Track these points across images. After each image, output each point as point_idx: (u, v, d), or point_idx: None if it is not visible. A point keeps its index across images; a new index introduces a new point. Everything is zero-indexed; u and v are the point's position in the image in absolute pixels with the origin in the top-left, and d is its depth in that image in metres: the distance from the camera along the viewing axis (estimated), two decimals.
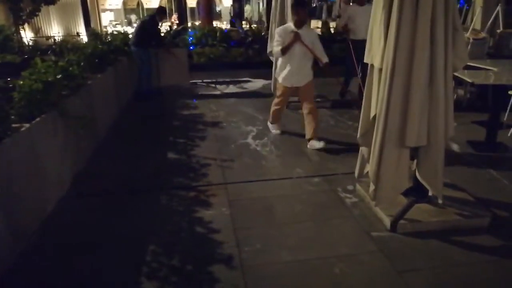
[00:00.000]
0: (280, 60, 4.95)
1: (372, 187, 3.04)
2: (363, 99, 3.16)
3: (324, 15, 18.21)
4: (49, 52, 7.01)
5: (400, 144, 2.88)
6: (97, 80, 5.31)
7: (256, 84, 8.62)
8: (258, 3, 21.59)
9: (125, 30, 11.22)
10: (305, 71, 4.86)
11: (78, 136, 4.29)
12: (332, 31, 10.22)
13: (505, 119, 5.18)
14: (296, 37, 4.65)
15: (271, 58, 6.67)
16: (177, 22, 12.41)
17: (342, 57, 7.07)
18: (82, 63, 4.90)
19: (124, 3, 26.73)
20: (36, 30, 10.01)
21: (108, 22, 22.29)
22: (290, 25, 4.79)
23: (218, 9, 25.99)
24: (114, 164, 4.54)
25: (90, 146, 4.74)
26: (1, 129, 2.87)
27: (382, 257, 2.79)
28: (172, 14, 21.20)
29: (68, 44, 7.43)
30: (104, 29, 14.40)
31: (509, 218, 3.26)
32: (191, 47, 9.37)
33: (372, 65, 3.01)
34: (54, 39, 8.89)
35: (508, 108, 5.21)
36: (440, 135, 2.85)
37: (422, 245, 2.92)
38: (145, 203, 3.65)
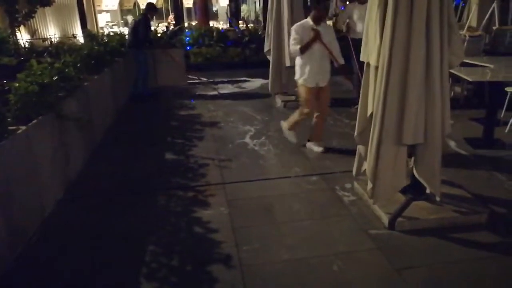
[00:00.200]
0: (299, 61, 4.54)
1: (369, 185, 3.05)
2: (360, 98, 3.17)
3: None
4: (45, 54, 6.98)
5: (397, 142, 2.89)
6: (94, 82, 5.31)
7: (254, 83, 8.62)
8: (255, 3, 21.57)
9: (121, 31, 11.20)
10: (326, 69, 4.56)
11: (75, 138, 4.29)
12: None
13: (502, 116, 5.20)
14: (317, 36, 4.34)
15: (268, 57, 6.69)
16: (174, 22, 12.40)
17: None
18: (78, 65, 4.89)
19: (121, 4, 26.65)
20: (32, 32, 9.97)
21: (105, 23, 22.25)
22: (308, 21, 4.45)
23: (214, 9, 25.96)
24: (112, 165, 4.54)
25: (87, 147, 4.73)
26: None
27: (380, 255, 2.79)
28: (169, 15, 21.17)
29: (64, 46, 7.41)
30: (101, 30, 14.37)
31: (506, 214, 3.28)
32: (188, 47, 9.37)
33: (368, 63, 3.02)
34: (50, 41, 8.86)
35: (505, 105, 5.22)
36: (437, 132, 2.86)
37: (420, 242, 2.92)
38: (143, 203, 3.65)
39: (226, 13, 17.13)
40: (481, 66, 5.08)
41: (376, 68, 2.88)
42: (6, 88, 3.54)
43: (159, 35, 8.93)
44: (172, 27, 10.98)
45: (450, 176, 3.71)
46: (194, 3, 15.39)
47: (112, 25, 22.62)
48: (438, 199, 3.13)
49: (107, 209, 3.57)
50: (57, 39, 9.66)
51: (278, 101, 6.83)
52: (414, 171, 3.04)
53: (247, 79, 8.98)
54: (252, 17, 21.30)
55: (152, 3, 7.57)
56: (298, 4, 6.26)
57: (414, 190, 3.19)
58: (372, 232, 3.06)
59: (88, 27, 11.39)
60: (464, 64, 4.88)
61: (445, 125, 2.89)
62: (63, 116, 3.79)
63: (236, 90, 8.23)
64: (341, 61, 4.61)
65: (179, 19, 11.94)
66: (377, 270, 2.67)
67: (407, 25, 2.66)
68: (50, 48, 7.62)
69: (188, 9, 21.41)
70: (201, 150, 4.87)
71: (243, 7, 22.18)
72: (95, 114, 5.16)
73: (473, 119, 5.49)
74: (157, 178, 4.15)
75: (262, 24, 11.67)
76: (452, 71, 3.81)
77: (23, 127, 3.19)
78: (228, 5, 16.36)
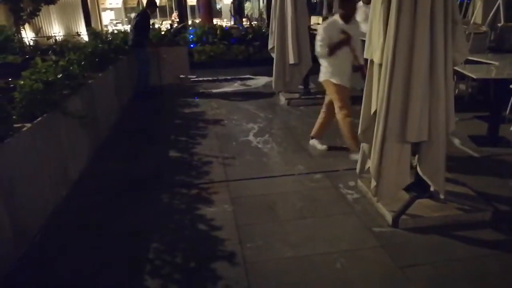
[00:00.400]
0: (334, 60, 4.21)
1: (373, 183, 3.05)
2: (363, 96, 3.16)
3: (324, 11, 18.16)
4: (49, 52, 7.02)
5: (401, 139, 2.88)
6: (98, 79, 5.33)
7: (257, 81, 8.62)
8: (259, 0, 21.53)
9: (125, 29, 11.22)
10: (351, 69, 4.34)
11: (79, 135, 4.31)
12: None
13: (507, 113, 5.17)
14: (349, 39, 4.09)
15: (271, 54, 6.68)
16: (178, 20, 12.40)
17: None
18: (82, 63, 4.91)
19: (124, 2, 26.69)
20: (37, 30, 10.02)
21: (109, 21, 22.27)
22: (337, 20, 4.15)
23: (218, 6, 25.94)
24: (116, 163, 4.56)
25: (91, 145, 4.76)
26: (3, 129, 2.88)
27: (384, 253, 2.79)
28: (173, 12, 21.17)
29: (68, 44, 7.44)
30: (105, 28, 14.40)
31: (510, 212, 3.26)
32: (192, 45, 9.37)
33: (371, 61, 3.01)
34: (55, 39, 8.90)
35: (510, 102, 5.19)
36: (441, 130, 2.85)
37: (424, 240, 2.92)
38: (147, 201, 3.67)
39: (230, 11, 17.12)
40: (486, 63, 5.05)
41: (380, 65, 2.87)
42: (11, 85, 3.56)
43: (163, 33, 8.93)
44: (176, 25, 10.98)
45: (454, 174, 3.70)
46: (197, 1, 15.38)
47: (116, 23, 22.64)
48: (442, 197, 3.12)
49: (111, 207, 3.59)
50: (62, 37, 9.71)
51: (282, 98, 6.82)
52: (418, 169, 3.03)
53: (251, 76, 8.98)
54: (256, 15, 21.26)
55: (154, 0, 7.57)
56: (302, 1, 6.25)
57: (418, 188, 3.19)
58: (375, 230, 3.05)
59: (92, 25, 11.41)
60: (469, 61, 4.85)
61: (449, 123, 2.88)
62: (67, 113, 3.81)
63: (240, 87, 8.23)
64: (362, 61, 4.24)
65: (182, 17, 11.93)
66: (381, 268, 2.67)
67: (411, 22, 2.64)
68: (54, 46, 7.66)
69: (192, 7, 21.39)
70: (205, 148, 4.88)
71: (247, 5, 22.16)
72: (99, 111, 5.18)
73: (477, 117, 5.46)
74: (160, 176, 4.16)
75: (266, 21, 11.65)
76: (456, 68, 3.79)
77: (28, 125, 3.21)
78: (232, 2, 16.35)
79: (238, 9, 15.45)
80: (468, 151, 4.45)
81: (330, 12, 17.61)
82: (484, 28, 6.45)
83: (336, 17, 4.20)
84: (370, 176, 3.14)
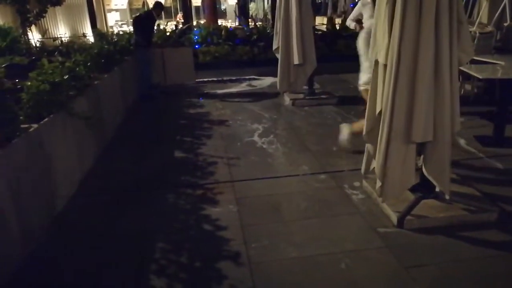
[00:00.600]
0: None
1: (378, 183, 3.04)
2: (368, 96, 3.16)
3: (329, 11, 18.16)
4: (56, 53, 7.06)
5: (406, 140, 2.88)
6: (104, 80, 5.36)
7: (262, 82, 8.62)
8: (263, 1, 21.54)
9: (130, 30, 11.26)
10: None
11: (85, 136, 4.34)
12: (338, 27, 10.18)
13: None
14: None
15: (276, 55, 6.68)
16: (182, 21, 12.43)
17: (347, 54, 7.01)
18: (88, 64, 4.94)
19: (130, 3, 26.80)
20: (43, 32, 10.08)
21: (114, 22, 22.38)
22: None
23: (223, 7, 25.98)
24: (122, 163, 4.58)
25: (97, 145, 4.79)
26: (10, 130, 2.91)
27: (389, 253, 2.79)
28: (178, 13, 21.23)
29: (74, 45, 7.48)
30: (110, 29, 14.47)
31: None
32: (197, 46, 9.39)
33: (376, 61, 3.01)
34: (61, 40, 8.95)
35: None
36: (447, 130, 2.84)
37: (429, 240, 2.91)
38: (153, 201, 3.68)
39: (235, 11, 17.15)
40: (492, 63, 5.03)
41: (385, 66, 2.87)
42: (19, 86, 3.59)
43: (168, 33, 8.97)
44: (180, 25, 11.01)
45: (459, 174, 3.69)
46: (202, 2, 15.40)
47: (121, 24, 22.74)
48: (447, 197, 3.11)
49: (117, 207, 3.61)
50: (68, 38, 9.76)
51: (287, 99, 6.82)
52: (423, 169, 3.02)
53: (256, 77, 8.98)
54: (261, 15, 21.27)
55: (160, 2, 7.61)
56: (306, 2, 6.25)
57: (423, 188, 3.18)
58: (380, 230, 3.05)
59: (98, 26, 11.46)
60: (474, 61, 4.83)
61: (455, 123, 2.87)
62: (73, 114, 3.83)
63: (245, 88, 8.24)
64: None
65: (187, 18, 11.95)
66: (386, 268, 2.67)
67: (416, 21, 2.64)
68: (60, 47, 7.70)
69: (197, 7, 21.44)
70: (210, 148, 4.89)
71: (252, 5, 22.17)
72: (105, 112, 5.21)
73: (483, 117, 5.44)
74: (166, 176, 4.18)
75: (271, 22, 11.65)
76: (462, 68, 3.78)
77: (35, 125, 3.24)
78: (237, 3, 16.37)
79: (242, 10, 15.47)
80: (473, 151, 4.44)
81: (335, 12, 17.61)
82: (490, 28, 6.41)
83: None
84: (375, 176, 3.14)
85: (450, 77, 2.74)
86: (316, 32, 6.56)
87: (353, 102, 6.49)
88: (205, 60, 9.35)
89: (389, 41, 2.77)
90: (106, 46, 6.16)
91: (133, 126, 6.04)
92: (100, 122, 4.93)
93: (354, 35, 6.06)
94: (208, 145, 5.01)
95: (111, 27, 17.65)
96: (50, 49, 7.85)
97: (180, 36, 9.00)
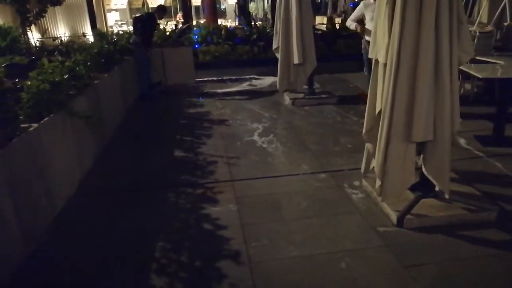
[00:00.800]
0: None
1: (378, 182, 3.05)
2: (368, 95, 3.16)
3: (329, 11, 18.16)
4: (56, 52, 7.06)
5: (406, 139, 2.88)
6: (104, 80, 5.36)
7: (262, 81, 8.63)
8: (263, 0, 21.53)
9: (130, 29, 11.26)
10: None
11: (85, 136, 4.34)
12: (338, 27, 10.18)
13: None
14: None
15: (276, 55, 6.69)
16: (182, 20, 12.44)
17: (347, 54, 7.00)
18: (88, 63, 4.95)
19: (129, 3, 26.78)
20: (43, 31, 10.08)
21: (114, 22, 22.37)
22: None
23: (222, 7, 25.97)
24: (122, 163, 4.59)
25: (97, 145, 4.79)
26: (10, 130, 2.92)
27: (389, 252, 2.79)
28: (177, 13, 21.22)
29: (74, 45, 7.48)
30: (110, 29, 14.46)
31: None
32: (196, 46, 9.39)
33: (376, 60, 3.01)
34: (61, 40, 8.95)
35: None
36: (447, 129, 2.84)
37: (429, 239, 2.92)
38: (153, 201, 3.69)
39: (234, 11, 17.14)
40: (492, 62, 5.03)
41: (385, 65, 2.87)
42: (19, 86, 3.59)
43: (167, 33, 8.97)
44: (180, 25, 11.01)
45: (459, 173, 3.69)
46: (202, 1, 15.39)
47: (121, 23, 22.74)
48: (447, 196, 3.12)
49: (117, 206, 3.61)
50: (67, 38, 9.76)
51: (287, 98, 6.83)
52: (423, 169, 3.02)
53: (256, 76, 8.99)
54: (261, 15, 21.27)
55: (163, 6, 7.66)
56: (306, 1, 6.24)
57: (423, 187, 3.18)
58: (380, 229, 3.05)
59: (98, 26, 11.46)
60: (474, 61, 4.83)
61: (455, 122, 2.88)
62: (73, 114, 3.84)
63: (244, 87, 8.23)
64: None
65: (187, 17, 11.94)
66: (386, 267, 2.67)
67: (416, 21, 2.64)
68: (60, 47, 7.70)
69: (197, 7, 21.43)
70: (210, 148, 4.89)
71: (252, 5, 22.17)
72: (105, 111, 5.22)
73: (483, 117, 5.44)
74: (166, 176, 4.18)
75: (271, 21, 11.65)
76: (462, 67, 3.78)
77: (35, 125, 3.25)
78: (236, 3, 16.36)
79: (242, 10, 15.47)
80: (473, 151, 4.44)
81: (335, 12, 17.61)
82: (490, 28, 6.41)
83: None
84: (374, 175, 3.14)
85: (450, 77, 2.74)
86: (316, 31, 6.55)
87: (353, 102, 6.51)
88: (205, 60, 9.34)
89: (389, 40, 2.77)
90: (106, 46, 6.16)
91: (133, 126, 6.04)
92: (100, 122, 4.93)
93: (354, 35, 6.07)
94: (208, 145, 5.02)
95: (111, 27, 17.65)
96: (50, 48, 7.85)
97: (180, 36, 9.00)
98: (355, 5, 6.65)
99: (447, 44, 2.68)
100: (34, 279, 2.70)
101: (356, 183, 3.78)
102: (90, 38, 9.77)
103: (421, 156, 3.04)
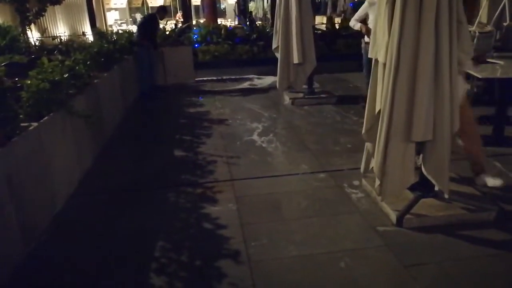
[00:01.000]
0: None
1: (377, 182, 3.05)
2: (368, 95, 3.16)
3: (329, 11, 18.14)
4: (55, 51, 7.05)
5: (405, 138, 2.88)
6: (104, 79, 5.36)
7: (261, 81, 8.62)
8: (263, 0, 21.53)
9: (130, 29, 11.26)
10: None
11: (85, 135, 4.34)
12: (337, 27, 10.18)
13: None
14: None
15: (276, 54, 6.68)
16: (182, 20, 12.43)
17: (347, 53, 6.99)
18: (88, 62, 4.94)
19: (129, 2, 26.76)
20: (43, 30, 10.07)
21: (113, 21, 22.35)
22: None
23: (222, 6, 25.96)
24: (121, 162, 4.59)
25: (97, 144, 4.79)
26: (10, 128, 2.91)
27: (388, 252, 2.79)
28: (177, 12, 21.22)
29: (74, 44, 7.47)
30: (110, 28, 14.46)
31: None
32: (196, 45, 9.38)
33: (376, 60, 3.01)
34: (60, 39, 8.94)
35: None
36: (446, 129, 2.84)
37: (428, 239, 2.92)
38: (152, 200, 3.69)
39: (234, 11, 17.14)
40: (492, 62, 5.02)
41: (384, 65, 2.87)
42: (18, 85, 3.59)
43: (167, 33, 8.96)
44: (180, 24, 11.00)
45: (459, 173, 3.69)
46: (202, 1, 15.40)
47: (121, 23, 22.73)
48: (446, 196, 3.11)
49: (117, 206, 3.61)
50: (67, 37, 9.76)
51: (286, 98, 6.83)
52: (423, 168, 3.03)
53: (255, 76, 8.98)
54: (260, 14, 21.27)
55: (164, 6, 7.70)
56: (306, 1, 6.24)
57: (422, 187, 3.18)
58: (380, 229, 3.06)
59: (97, 25, 11.46)
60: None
61: (454, 122, 2.88)
62: (73, 113, 3.83)
63: (244, 87, 8.23)
64: None
65: (187, 17, 11.95)
66: (385, 267, 2.68)
67: (415, 21, 2.64)
68: (60, 46, 7.69)
69: (196, 6, 21.43)
70: (209, 147, 4.89)
71: (251, 4, 22.17)
72: (104, 111, 5.21)
73: (482, 117, 5.43)
74: (166, 175, 4.18)
75: (270, 21, 11.65)
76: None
77: (35, 124, 3.24)
78: (236, 2, 16.37)
79: (242, 9, 15.48)
80: None
81: (335, 11, 17.60)
82: (489, 28, 6.41)
83: None
84: (374, 175, 3.14)
85: (449, 77, 2.74)
86: (315, 31, 6.54)
87: (353, 102, 6.50)
88: (204, 59, 9.35)
89: (389, 40, 2.77)
90: (105, 45, 6.16)
91: (132, 125, 6.04)
92: (99, 121, 4.93)
93: (354, 34, 6.05)
94: (208, 144, 5.01)
95: (111, 26, 17.65)
96: (49, 47, 7.84)
97: (179, 35, 8.99)
98: (355, 5, 6.64)
99: (447, 44, 2.68)
100: (33, 279, 2.70)
101: (356, 182, 3.78)
102: (90, 37, 9.76)
103: (421, 155, 3.05)
